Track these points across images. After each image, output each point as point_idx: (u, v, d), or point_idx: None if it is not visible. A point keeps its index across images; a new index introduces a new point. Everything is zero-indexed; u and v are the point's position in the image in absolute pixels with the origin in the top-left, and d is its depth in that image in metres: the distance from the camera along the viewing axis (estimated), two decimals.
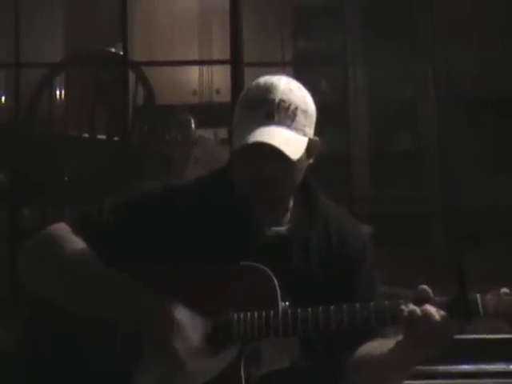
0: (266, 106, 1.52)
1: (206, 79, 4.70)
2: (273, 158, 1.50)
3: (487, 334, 2.44)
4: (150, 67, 3.62)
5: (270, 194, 1.55)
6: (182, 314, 1.45)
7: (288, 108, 1.52)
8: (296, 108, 1.53)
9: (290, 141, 1.50)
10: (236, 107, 1.60)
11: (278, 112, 1.51)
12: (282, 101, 1.52)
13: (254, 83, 1.58)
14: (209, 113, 4.21)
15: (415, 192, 4.46)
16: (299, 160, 1.53)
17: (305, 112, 1.54)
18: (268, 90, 1.53)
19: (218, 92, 4.61)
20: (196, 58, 4.55)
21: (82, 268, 1.53)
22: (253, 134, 1.49)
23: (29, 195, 3.31)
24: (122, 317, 1.48)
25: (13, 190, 3.32)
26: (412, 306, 1.42)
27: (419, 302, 1.43)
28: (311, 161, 1.60)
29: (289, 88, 1.55)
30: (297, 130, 1.52)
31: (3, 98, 4.08)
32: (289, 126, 1.51)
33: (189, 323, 1.45)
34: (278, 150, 1.48)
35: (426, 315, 1.40)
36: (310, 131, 1.56)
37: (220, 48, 3.73)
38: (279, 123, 1.51)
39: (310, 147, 1.56)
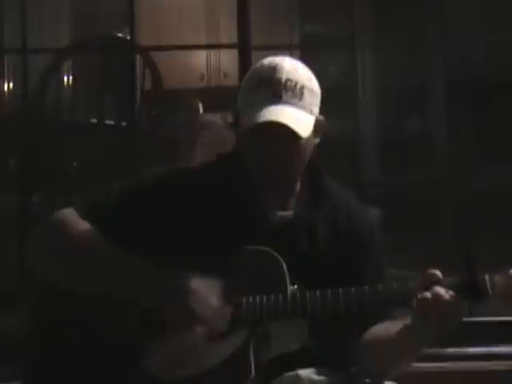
0: (273, 86, 1.52)
1: (213, 63, 4.69)
2: (282, 136, 1.50)
3: (498, 316, 2.44)
4: (158, 52, 3.61)
5: (279, 173, 1.54)
6: (197, 280, 1.46)
7: (295, 87, 1.52)
8: (302, 87, 1.53)
9: (299, 119, 1.51)
10: (241, 89, 1.60)
11: (285, 91, 1.51)
12: (288, 80, 1.52)
13: (257, 65, 1.58)
14: (217, 97, 4.20)
15: (424, 177, 4.44)
16: (307, 139, 1.53)
17: (311, 90, 1.55)
18: (274, 69, 1.53)
19: (225, 76, 4.59)
20: (204, 42, 4.54)
21: (91, 249, 1.52)
22: (262, 114, 1.49)
23: (37, 181, 3.31)
24: (136, 293, 1.48)
25: (21, 176, 3.32)
26: (422, 291, 1.41)
27: (428, 284, 1.43)
28: (317, 140, 1.60)
29: (294, 67, 1.55)
30: (304, 108, 1.53)
31: (11, 85, 4.08)
32: (296, 105, 1.52)
33: (206, 286, 1.46)
34: (288, 129, 1.48)
35: (436, 297, 1.40)
36: (316, 110, 1.57)
37: (228, 32, 3.72)
38: (287, 102, 1.51)
39: (316, 126, 1.56)
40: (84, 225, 1.54)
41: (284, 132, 1.48)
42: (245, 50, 2.77)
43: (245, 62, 2.75)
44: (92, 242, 1.53)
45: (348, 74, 4.60)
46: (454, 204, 4.27)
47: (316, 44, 4.60)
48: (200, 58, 4.67)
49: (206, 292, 1.45)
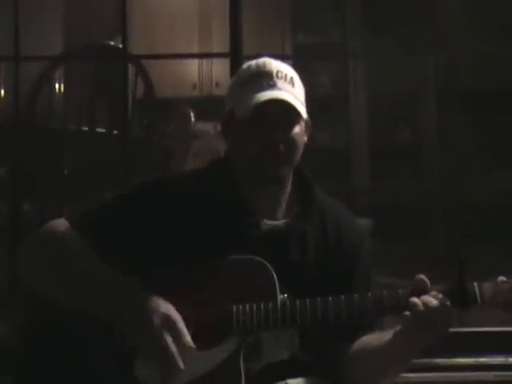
0: (266, 77, 1.56)
1: (205, 72, 4.70)
2: (283, 117, 1.54)
3: (486, 326, 2.44)
4: (150, 60, 3.62)
5: (277, 161, 1.55)
6: (171, 312, 1.45)
7: (286, 77, 1.57)
8: (292, 77, 1.58)
9: (296, 101, 1.55)
10: (229, 90, 1.63)
11: (277, 79, 1.56)
12: (278, 71, 1.57)
13: (244, 66, 1.62)
14: (208, 106, 4.20)
15: (415, 185, 4.46)
16: (300, 132, 1.56)
17: (299, 83, 1.60)
18: (262, 65, 1.58)
19: (217, 85, 4.60)
20: (196, 51, 4.55)
21: (77, 264, 1.52)
22: (260, 95, 1.52)
23: (29, 189, 3.30)
24: (112, 316, 1.47)
25: (13, 184, 3.31)
26: (414, 298, 1.42)
27: (417, 291, 1.44)
28: (305, 139, 1.62)
29: (279, 63, 1.60)
30: (296, 97, 1.56)
31: (2, 92, 4.08)
32: (290, 92, 1.55)
33: (179, 320, 1.45)
34: (288, 109, 1.52)
35: (426, 303, 1.41)
36: (304, 104, 1.59)
37: (220, 41, 3.72)
38: (281, 88, 1.55)
39: (305, 125, 1.59)
40: (73, 238, 1.54)
41: (284, 112, 1.52)
42: (237, 59, 2.77)
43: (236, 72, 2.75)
44: (77, 257, 1.53)
45: (340, 82, 4.62)
46: (445, 211, 4.29)
47: (308, 53, 4.62)
48: (192, 67, 4.68)
49: (180, 324, 1.44)
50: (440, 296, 1.42)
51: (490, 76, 4.29)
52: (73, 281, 1.51)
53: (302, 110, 1.55)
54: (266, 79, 1.55)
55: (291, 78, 1.57)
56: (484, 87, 4.27)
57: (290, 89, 1.55)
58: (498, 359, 2.45)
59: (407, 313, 1.43)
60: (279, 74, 1.56)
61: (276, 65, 1.58)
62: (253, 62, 1.60)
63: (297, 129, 1.55)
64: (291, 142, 1.55)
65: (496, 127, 4.23)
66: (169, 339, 1.42)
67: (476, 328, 2.41)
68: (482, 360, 2.44)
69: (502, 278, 1.43)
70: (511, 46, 4.25)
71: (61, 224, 1.57)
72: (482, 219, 3.85)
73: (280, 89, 1.54)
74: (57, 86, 3.91)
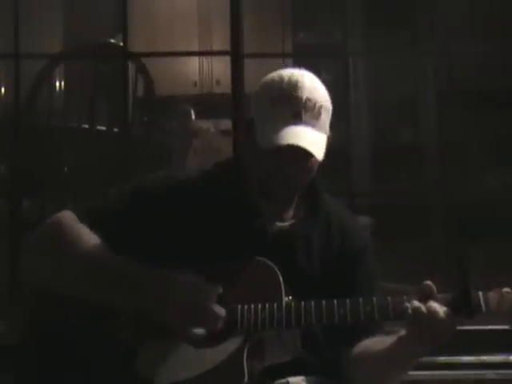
0: (294, 104, 1.53)
1: (206, 70, 4.70)
2: (300, 158, 1.52)
3: (490, 325, 2.45)
4: (150, 58, 3.61)
5: (287, 190, 1.57)
6: (191, 277, 1.47)
7: (314, 107, 1.53)
8: (320, 106, 1.55)
9: (317, 142, 1.53)
10: (257, 97, 1.59)
11: (304, 111, 1.52)
12: (308, 100, 1.53)
13: (276, 77, 1.58)
14: (209, 104, 4.20)
15: (416, 185, 4.46)
16: (316, 162, 1.55)
17: (327, 110, 1.57)
18: (294, 87, 1.54)
19: (218, 83, 4.60)
20: (196, 49, 4.55)
21: (89, 255, 1.52)
22: (283, 134, 1.50)
23: (29, 187, 3.30)
24: (131, 298, 1.48)
25: (12, 181, 3.31)
26: (417, 303, 1.43)
27: (423, 298, 1.44)
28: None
29: (313, 86, 1.56)
30: (320, 128, 1.54)
31: (3, 90, 4.08)
32: (314, 126, 1.53)
33: (200, 282, 1.47)
34: (307, 152, 1.50)
35: (431, 312, 1.41)
36: (328, 127, 1.58)
37: (220, 39, 3.72)
38: (306, 123, 1.52)
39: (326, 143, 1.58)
40: (81, 229, 1.55)
41: (302, 154, 1.50)
42: (237, 57, 2.77)
43: (237, 70, 2.75)
44: (89, 248, 1.53)
45: (340, 82, 4.60)
46: (445, 213, 4.28)
47: (308, 52, 4.61)
48: (192, 65, 4.68)
49: (203, 290, 1.46)
50: (444, 308, 1.42)
51: (490, 76, 4.29)
52: (87, 273, 1.52)
53: (320, 153, 1.52)
54: (293, 108, 1.52)
55: (319, 108, 1.54)
56: (485, 87, 4.27)
57: (315, 123, 1.53)
58: (500, 358, 2.46)
59: (409, 311, 1.43)
60: (307, 105, 1.52)
61: (307, 88, 1.54)
62: (286, 77, 1.55)
63: (313, 161, 1.54)
64: (304, 174, 1.56)
65: (497, 127, 4.23)
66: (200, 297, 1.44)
67: (478, 326, 2.41)
68: (484, 358, 2.45)
69: (506, 289, 1.45)
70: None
71: (68, 217, 1.57)
72: (483, 219, 3.84)
73: (305, 124, 1.51)
74: (57, 83, 3.92)
